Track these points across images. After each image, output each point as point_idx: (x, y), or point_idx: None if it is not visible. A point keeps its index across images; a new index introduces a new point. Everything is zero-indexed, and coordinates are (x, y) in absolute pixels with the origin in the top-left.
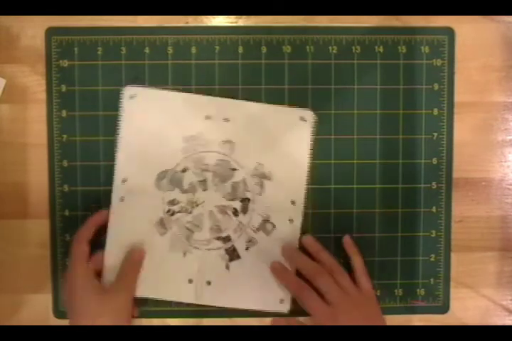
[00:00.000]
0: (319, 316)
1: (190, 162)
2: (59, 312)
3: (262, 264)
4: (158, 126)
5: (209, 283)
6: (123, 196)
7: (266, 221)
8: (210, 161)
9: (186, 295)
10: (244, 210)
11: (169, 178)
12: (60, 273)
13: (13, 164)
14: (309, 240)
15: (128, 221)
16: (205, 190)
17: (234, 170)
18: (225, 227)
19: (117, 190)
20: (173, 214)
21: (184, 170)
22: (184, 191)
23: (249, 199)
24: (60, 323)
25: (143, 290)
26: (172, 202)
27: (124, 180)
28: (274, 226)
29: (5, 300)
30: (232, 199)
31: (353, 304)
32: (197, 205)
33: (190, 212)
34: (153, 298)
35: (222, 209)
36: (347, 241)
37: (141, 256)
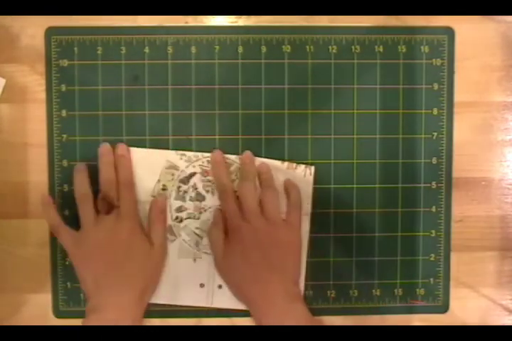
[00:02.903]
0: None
1: (197, 167)
2: (59, 312)
3: None
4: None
5: (220, 286)
6: None
7: None
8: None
9: (198, 300)
10: None
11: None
12: (59, 273)
13: (13, 164)
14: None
15: None
16: (213, 194)
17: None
18: None
19: None
20: (181, 221)
21: (192, 175)
22: (192, 199)
23: None
24: (60, 323)
25: (157, 297)
26: (179, 209)
27: None
28: None
29: (5, 300)
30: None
31: (255, 229)
32: (204, 210)
33: (198, 218)
34: (168, 303)
35: None
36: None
37: (164, 204)
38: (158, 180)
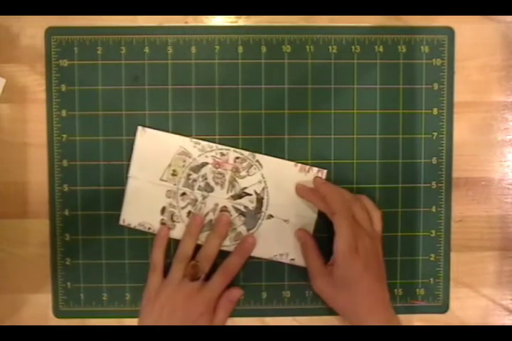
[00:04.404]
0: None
1: (210, 158)
2: (59, 312)
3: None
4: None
5: None
6: (135, 175)
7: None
8: (229, 158)
9: None
10: (258, 211)
11: (186, 176)
12: (59, 273)
13: (13, 164)
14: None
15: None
16: (221, 187)
17: (253, 168)
18: (235, 225)
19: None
20: (184, 208)
21: (203, 165)
22: (200, 189)
23: (262, 198)
24: (60, 323)
25: None
26: (184, 195)
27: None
28: (287, 220)
29: (5, 300)
30: (246, 194)
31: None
32: (210, 203)
33: (200, 209)
34: None
35: (236, 208)
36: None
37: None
38: (169, 165)
